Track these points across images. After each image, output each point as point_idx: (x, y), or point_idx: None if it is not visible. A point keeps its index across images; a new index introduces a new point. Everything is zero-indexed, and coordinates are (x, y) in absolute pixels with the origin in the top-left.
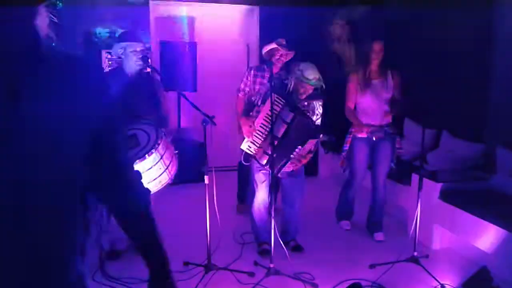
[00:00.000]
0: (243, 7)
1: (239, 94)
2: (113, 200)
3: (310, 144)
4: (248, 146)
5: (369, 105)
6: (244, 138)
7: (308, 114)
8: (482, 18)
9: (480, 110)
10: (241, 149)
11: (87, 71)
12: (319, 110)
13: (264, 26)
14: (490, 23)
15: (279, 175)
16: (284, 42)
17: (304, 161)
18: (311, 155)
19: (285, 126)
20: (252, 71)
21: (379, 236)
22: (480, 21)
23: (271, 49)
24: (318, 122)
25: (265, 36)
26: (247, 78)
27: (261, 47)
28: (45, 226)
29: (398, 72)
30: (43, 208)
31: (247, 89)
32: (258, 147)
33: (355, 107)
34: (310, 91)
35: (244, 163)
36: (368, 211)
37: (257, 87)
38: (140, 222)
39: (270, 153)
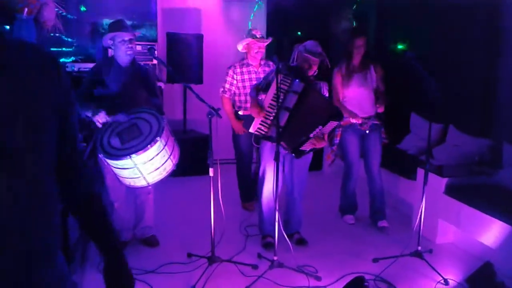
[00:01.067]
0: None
1: (225, 95)
2: (69, 183)
3: (331, 126)
4: (258, 128)
5: (354, 98)
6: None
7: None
8: (490, 12)
9: (487, 105)
10: (250, 132)
11: (42, 57)
12: (325, 92)
13: (271, 18)
14: (498, 18)
15: (292, 153)
16: (258, 34)
17: (323, 143)
18: (327, 137)
19: (296, 96)
20: (237, 69)
21: (382, 223)
22: (488, 16)
23: (247, 44)
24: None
25: (272, 28)
26: (233, 78)
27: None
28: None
29: (381, 65)
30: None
31: (233, 88)
32: (269, 126)
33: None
34: (315, 68)
35: (255, 145)
36: (369, 202)
37: (246, 84)
38: (93, 206)
39: (282, 125)
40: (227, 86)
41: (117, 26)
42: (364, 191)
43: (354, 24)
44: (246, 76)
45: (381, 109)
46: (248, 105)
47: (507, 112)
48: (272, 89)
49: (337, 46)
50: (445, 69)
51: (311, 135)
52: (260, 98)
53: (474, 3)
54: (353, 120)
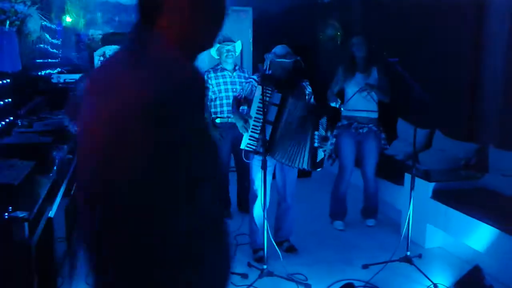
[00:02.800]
0: (236, 7)
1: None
2: None
3: (323, 126)
4: (248, 143)
5: (353, 97)
6: None
7: (299, 95)
8: (475, 18)
9: (472, 110)
10: (241, 148)
11: None
12: (308, 89)
13: (257, 26)
14: (481, 23)
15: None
16: (227, 37)
17: (328, 139)
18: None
19: (276, 108)
20: (211, 74)
21: (370, 222)
22: (473, 22)
23: (217, 50)
24: (312, 100)
25: (259, 36)
26: (208, 83)
27: (254, 46)
28: None
29: (385, 68)
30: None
31: (209, 93)
32: (257, 141)
33: (340, 97)
34: (289, 67)
35: (245, 160)
36: (363, 201)
37: (222, 88)
38: None
39: (268, 139)
40: None
41: (116, 37)
42: (354, 197)
43: (340, 31)
44: (221, 80)
45: (374, 116)
46: (225, 108)
47: (492, 116)
48: (255, 102)
49: (323, 53)
50: (430, 74)
51: (316, 145)
52: (241, 109)
53: (459, 9)
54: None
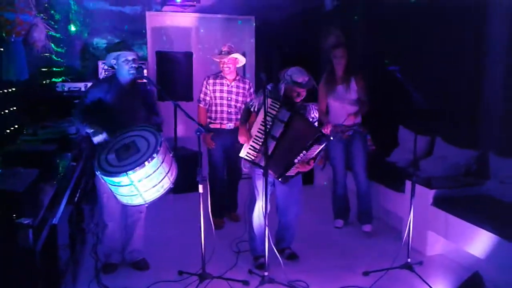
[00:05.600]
0: (239, 16)
1: (200, 105)
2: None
3: (315, 150)
4: (247, 153)
5: (336, 108)
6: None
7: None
8: (476, 25)
9: (473, 117)
10: (240, 156)
11: None
12: (315, 113)
13: (260, 34)
14: (483, 30)
15: (279, 179)
16: (225, 49)
17: (308, 167)
18: (313, 162)
19: (283, 125)
20: (210, 80)
21: (366, 227)
22: (475, 28)
23: (218, 61)
24: (315, 124)
25: (261, 44)
26: (206, 88)
27: (257, 55)
28: None
29: (362, 76)
30: None
31: (207, 98)
32: (257, 152)
33: (327, 110)
34: (304, 94)
35: (244, 169)
36: (357, 203)
37: (217, 95)
38: None
39: (269, 154)
40: (201, 95)
41: (121, 46)
42: (354, 205)
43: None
44: (217, 88)
45: (358, 119)
46: (218, 115)
47: (493, 123)
48: (261, 114)
49: (325, 61)
50: (431, 81)
51: (296, 160)
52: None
53: (460, 15)
54: (324, 130)
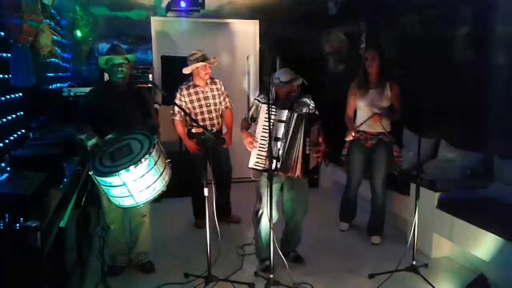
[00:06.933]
0: (243, 20)
1: (175, 118)
2: None
3: (315, 132)
4: (255, 162)
5: (366, 114)
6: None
7: (303, 110)
8: (480, 28)
9: (478, 120)
10: (249, 167)
11: None
12: (311, 104)
13: (264, 38)
14: (488, 33)
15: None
16: (204, 55)
17: (320, 148)
18: (322, 141)
19: (283, 125)
20: (184, 91)
21: (375, 239)
22: (479, 31)
23: (197, 68)
24: (316, 113)
25: (265, 48)
26: (180, 100)
27: (261, 58)
28: None
29: (397, 83)
30: None
31: (182, 113)
32: (265, 159)
33: (355, 115)
34: (294, 89)
35: (254, 178)
36: (370, 213)
37: (195, 104)
38: None
39: (277, 155)
40: (176, 109)
41: (110, 50)
42: (364, 209)
43: (346, 42)
44: (194, 97)
45: (385, 127)
46: (201, 123)
47: (498, 126)
48: (261, 121)
49: (329, 64)
50: (435, 85)
51: (307, 152)
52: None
53: (464, 18)
54: (347, 138)
